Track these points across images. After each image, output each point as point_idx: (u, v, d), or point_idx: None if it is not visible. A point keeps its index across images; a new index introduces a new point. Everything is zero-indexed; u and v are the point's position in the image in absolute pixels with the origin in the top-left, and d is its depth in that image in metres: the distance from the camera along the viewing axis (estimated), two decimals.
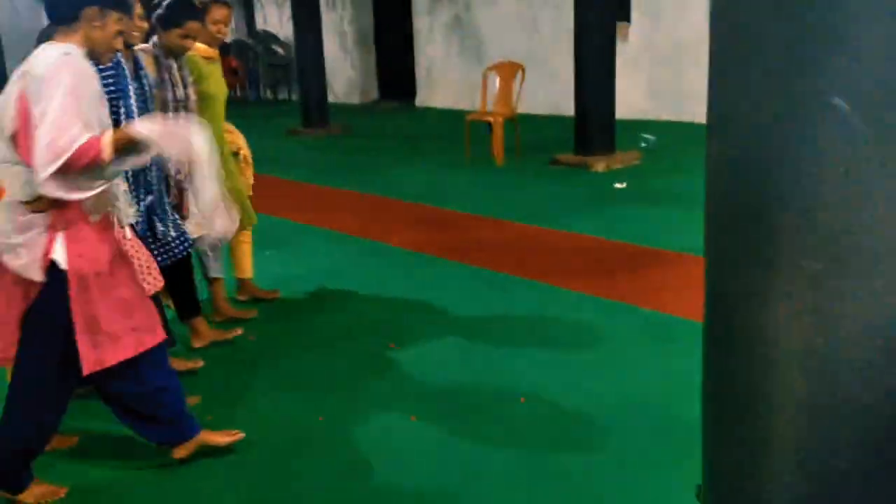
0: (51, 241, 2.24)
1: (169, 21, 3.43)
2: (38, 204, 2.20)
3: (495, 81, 8.26)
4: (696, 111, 9.70)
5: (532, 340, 3.78)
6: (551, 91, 10.52)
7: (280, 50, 15.08)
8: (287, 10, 15.06)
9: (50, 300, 2.29)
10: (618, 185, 6.76)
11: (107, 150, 2.13)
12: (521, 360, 3.57)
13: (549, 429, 2.99)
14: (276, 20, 15.11)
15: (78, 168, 2.12)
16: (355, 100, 14.20)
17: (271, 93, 15.47)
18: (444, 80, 12.68)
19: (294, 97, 15.09)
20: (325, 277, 4.84)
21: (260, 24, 15.67)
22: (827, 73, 1.07)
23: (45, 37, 2.96)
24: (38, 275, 2.26)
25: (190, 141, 2.22)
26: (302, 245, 5.59)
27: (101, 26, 2.33)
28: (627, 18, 10.00)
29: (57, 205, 2.22)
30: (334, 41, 13.58)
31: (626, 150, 7.77)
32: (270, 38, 15.00)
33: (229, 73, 15.51)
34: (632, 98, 9.51)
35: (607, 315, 4.02)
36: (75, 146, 2.07)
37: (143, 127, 2.25)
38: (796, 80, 1.10)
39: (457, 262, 5.01)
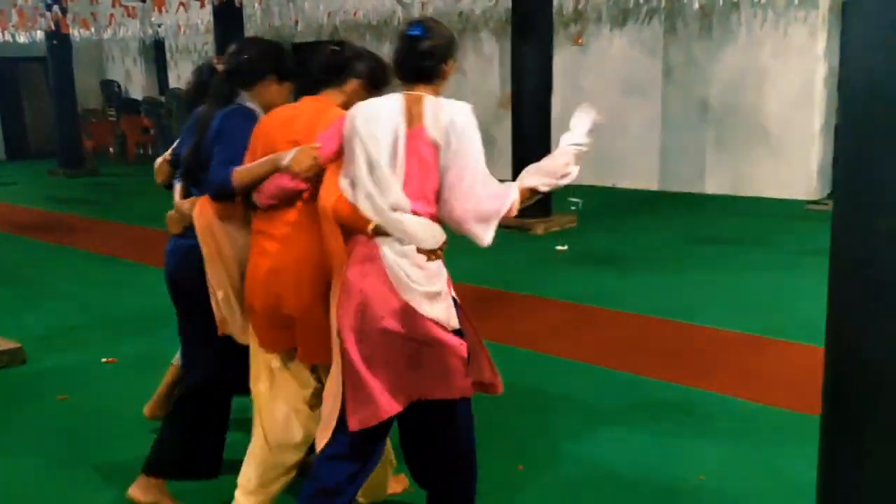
0: (450, 287, 2.19)
1: None
2: (439, 251, 2.16)
3: None
4: (614, 176, 10.16)
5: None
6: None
7: None
8: None
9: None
10: (559, 248, 6.94)
11: (516, 207, 2.18)
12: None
13: None
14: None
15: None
16: None
17: None
18: None
19: None
20: None
21: (174, 82, 15.32)
22: None
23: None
24: (455, 321, 2.15)
25: (571, 171, 2.26)
26: None
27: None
28: None
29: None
30: None
31: (560, 213, 8.01)
32: None
33: (139, 132, 15.07)
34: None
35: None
36: (507, 206, 2.13)
37: (540, 176, 2.25)
38: None
39: None
